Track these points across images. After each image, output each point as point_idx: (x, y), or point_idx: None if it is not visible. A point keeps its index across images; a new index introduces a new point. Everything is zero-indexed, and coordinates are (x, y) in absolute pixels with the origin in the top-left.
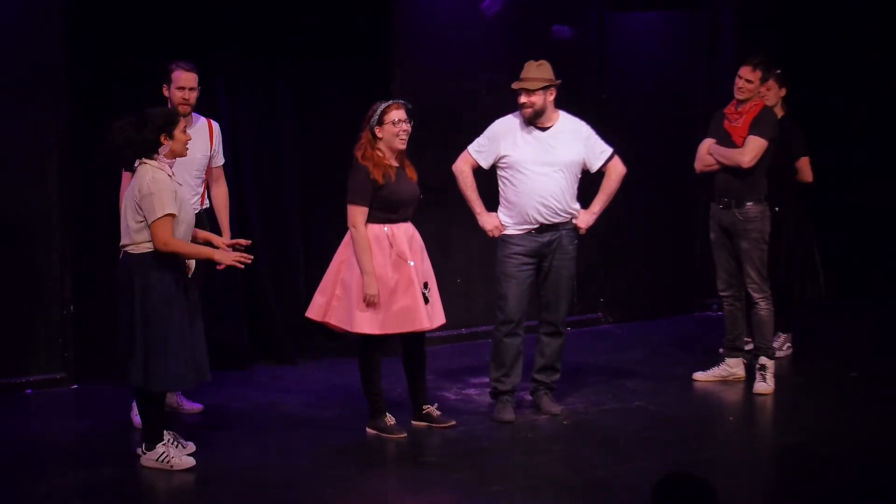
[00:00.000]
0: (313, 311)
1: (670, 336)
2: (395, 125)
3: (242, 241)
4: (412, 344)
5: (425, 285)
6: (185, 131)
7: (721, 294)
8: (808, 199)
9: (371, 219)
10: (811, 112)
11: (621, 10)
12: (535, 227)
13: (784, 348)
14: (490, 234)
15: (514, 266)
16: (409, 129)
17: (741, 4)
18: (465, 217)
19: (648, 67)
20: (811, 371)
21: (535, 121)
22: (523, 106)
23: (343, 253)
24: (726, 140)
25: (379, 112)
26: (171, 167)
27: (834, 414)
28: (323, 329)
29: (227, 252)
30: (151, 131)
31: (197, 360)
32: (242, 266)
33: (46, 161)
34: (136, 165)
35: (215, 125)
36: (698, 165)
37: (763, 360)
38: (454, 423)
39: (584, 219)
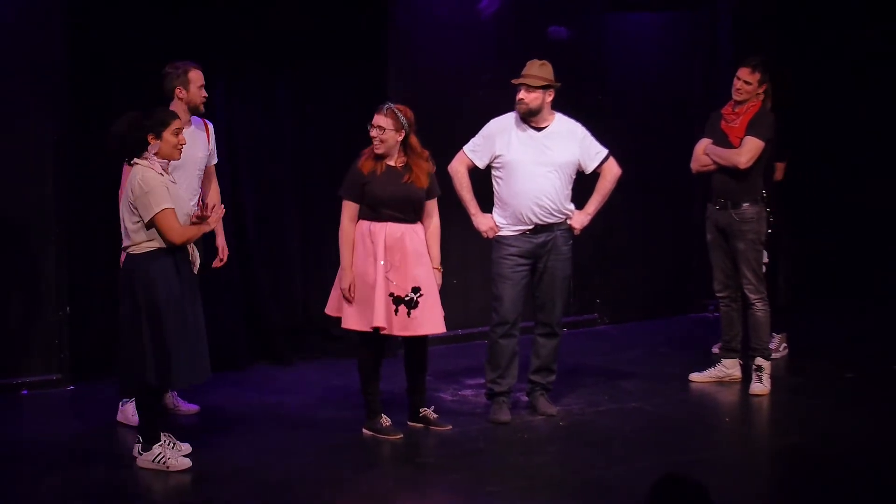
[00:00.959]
0: (330, 308)
1: (666, 337)
2: (371, 129)
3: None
4: (414, 345)
5: (415, 290)
6: (176, 134)
7: (717, 295)
8: (787, 201)
9: (360, 215)
10: (811, 112)
11: (619, 10)
12: (530, 227)
13: (780, 349)
14: (484, 235)
15: (509, 267)
16: (384, 133)
17: (739, 5)
18: (461, 217)
19: (646, 68)
20: (808, 372)
21: (529, 120)
22: (519, 102)
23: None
24: (723, 140)
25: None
26: (162, 167)
27: (830, 415)
28: (320, 330)
29: (202, 228)
30: (140, 130)
31: (202, 356)
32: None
33: (44, 161)
34: (130, 164)
35: (210, 124)
36: (694, 166)
37: (759, 360)
38: (450, 427)
39: (579, 219)
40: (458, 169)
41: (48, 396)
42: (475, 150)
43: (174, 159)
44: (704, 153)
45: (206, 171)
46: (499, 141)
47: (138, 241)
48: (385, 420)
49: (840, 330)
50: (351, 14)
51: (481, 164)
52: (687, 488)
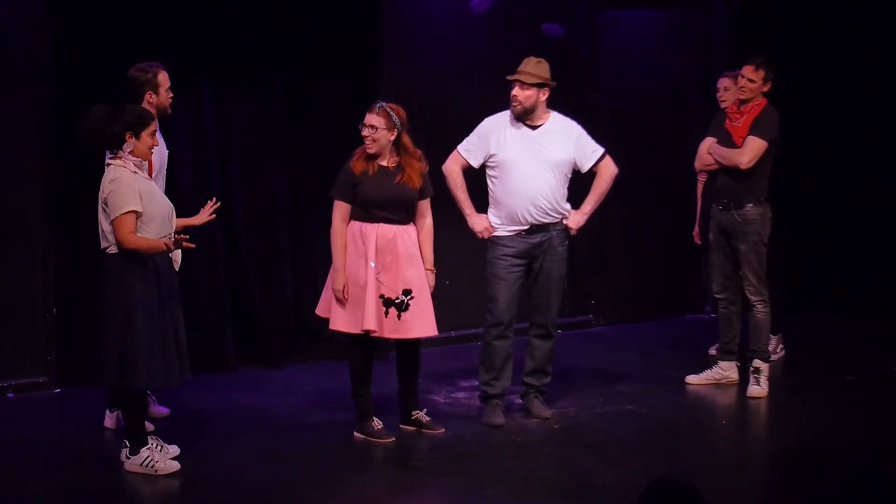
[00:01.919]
0: (320, 308)
1: (662, 339)
2: (363, 129)
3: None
4: (406, 348)
5: (406, 292)
6: (152, 135)
7: (716, 296)
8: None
9: (352, 216)
10: (810, 111)
11: (613, 7)
12: (525, 227)
13: (778, 350)
14: (480, 235)
15: (504, 268)
16: (376, 132)
17: (735, 2)
18: (454, 218)
19: (641, 66)
20: (805, 374)
21: (524, 118)
22: (513, 100)
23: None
24: (727, 140)
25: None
26: (136, 164)
27: (828, 417)
28: (311, 331)
29: (166, 244)
30: (119, 126)
31: (180, 358)
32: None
33: (31, 162)
34: (106, 163)
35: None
36: (698, 164)
37: (757, 363)
38: (443, 430)
39: (575, 219)
40: (452, 168)
41: (34, 399)
42: (469, 150)
43: (146, 160)
44: (708, 153)
45: None
46: (493, 140)
47: (114, 241)
48: (377, 423)
49: (839, 331)
50: (341, 13)
51: (476, 164)
52: (678, 492)
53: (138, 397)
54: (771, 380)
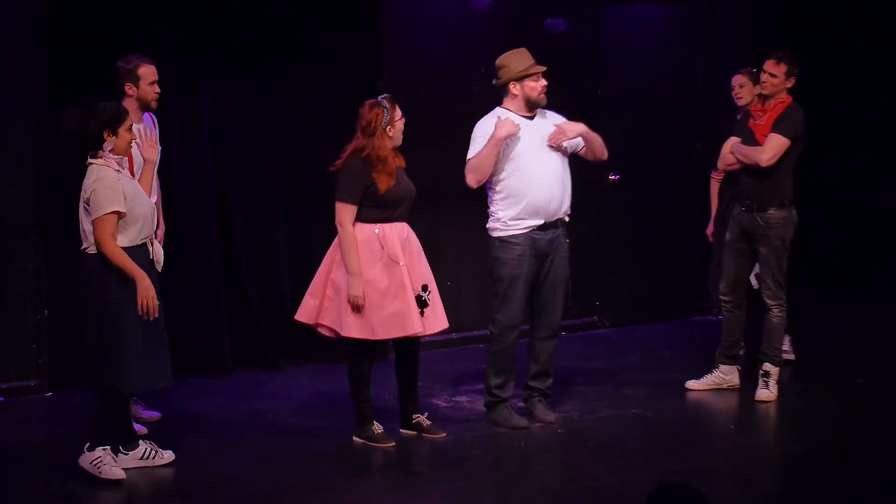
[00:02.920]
0: (303, 314)
1: (669, 341)
2: (399, 121)
3: None
4: (405, 350)
5: (424, 288)
6: (129, 130)
7: (721, 297)
8: None
9: (362, 218)
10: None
11: (617, 2)
12: (540, 222)
13: (788, 350)
14: (510, 133)
15: (520, 268)
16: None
17: None
18: (455, 216)
19: (645, 62)
20: (815, 377)
21: (532, 110)
22: (543, 90)
23: (334, 253)
24: (750, 139)
25: (388, 113)
26: (118, 162)
27: (839, 422)
28: (309, 334)
29: (145, 288)
30: (95, 125)
31: (164, 361)
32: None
33: (23, 161)
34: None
35: (155, 119)
36: (720, 164)
37: (767, 366)
38: (444, 434)
39: (574, 126)
40: (470, 163)
41: (26, 403)
42: (474, 151)
43: (126, 156)
44: (730, 152)
45: None
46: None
47: (96, 241)
48: (377, 427)
49: (849, 333)
50: (339, 8)
51: None
52: (685, 497)
53: (120, 399)
54: (779, 383)
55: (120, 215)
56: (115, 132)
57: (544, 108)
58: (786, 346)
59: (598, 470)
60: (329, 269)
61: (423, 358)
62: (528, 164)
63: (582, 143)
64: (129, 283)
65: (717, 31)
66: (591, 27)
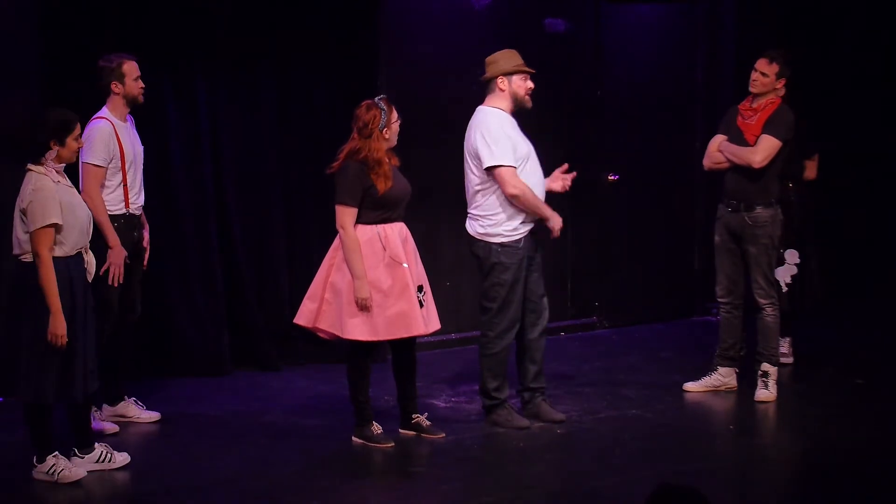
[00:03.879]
0: (303, 318)
1: (668, 341)
2: (396, 123)
3: None
4: (402, 349)
5: (419, 289)
6: (77, 139)
7: (719, 300)
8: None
9: (363, 220)
10: (812, 108)
11: (616, 2)
12: (531, 227)
13: (787, 351)
14: (557, 234)
15: (521, 271)
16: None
17: None
18: (453, 217)
19: (645, 62)
20: (815, 377)
21: (513, 110)
22: (529, 92)
23: (332, 256)
24: (738, 138)
25: (385, 115)
26: (57, 171)
27: (839, 422)
28: (308, 335)
29: (59, 325)
30: (43, 134)
31: (88, 371)
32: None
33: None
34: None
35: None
36: (707, 163)
37: (766, 366)
38: (444, 434)
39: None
40: (521, 184)
41: None
42: (507, 156)
43: (72, 162)
44: (718, 150)
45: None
46: (511, 134)
47: (29, 249)
48: (376, 427)
49: (849, 333)
50: (337, 8)
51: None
52: (685, 497)
53: (43, 409)
54: (779, 384)
55: (57, 227)
56: (62, 142)
57: (527, 111)
58: (785, 349)
59: (598, 470)
60: (328, 272)
61: (422, 358)
62: (528, 166)
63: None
64: (62, 292)
65: (717, 31)
66: (591, 27)
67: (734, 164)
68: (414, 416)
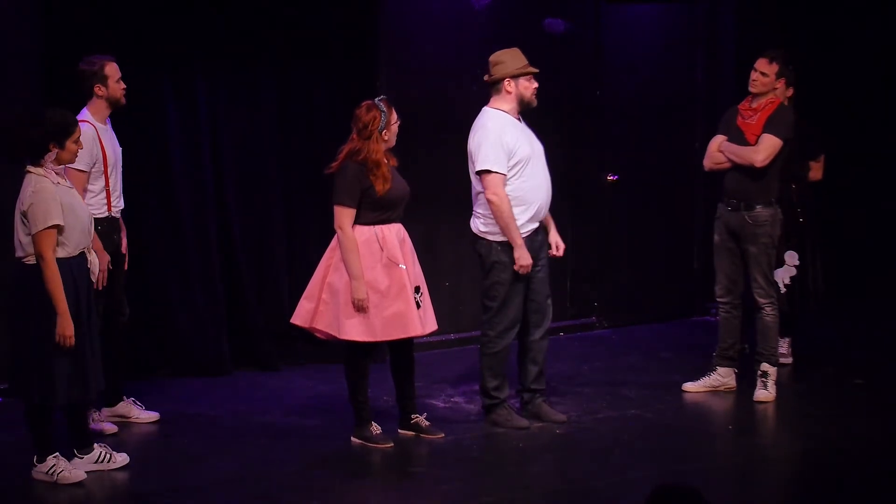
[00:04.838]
0: (299, 318)
1: (668, 341)
2: (395, 124)
3: None
4: (400, 350)
5: (416, 290)
6: (76, 141)
7: (718, 300)
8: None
9: (361, 220)
10: (812, 108)
11: (616, 2)
12: (536, 226)
13: (786, 352)
14: (523, 271)
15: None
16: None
17: None
18: (453, 218)
19: (645, 62)
20: (814, 377)
21: (517, 111)
22: (535, 92)
23: (330, 256)
24: (738, 138)
25: (384, 117)
26: (57, 172)
27: (839, 422)
28: (307, 335)
29: (67, 326)
30: (41, 134)
31: (93, 372)
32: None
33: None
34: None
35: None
36: (707, 163)
37: (765, 366)
38: (443, 434)
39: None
40: (503, 195)
41: None
42: (499, 162)
43: (70, 163)
44: (719, 150)
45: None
46: (508, 139)
47: (32, 251)
48: (375, 428)
49: (849, 333)
50: (338, 10)
51: (508, 173)
52: (684, 497)
53: (45, 410)
54: (778, 384)
55: (59, 229)
56: (61, 144)
57: (531, 111)
58: (784, 350)
59: (598, 470)
60: (325, 272)
61: (421, 359)
62: (530, 168)
63: None
64: (66, 293)
65: (717, 31)
66: (591, 27)
67: (735, 165)
68: (413, 416)
